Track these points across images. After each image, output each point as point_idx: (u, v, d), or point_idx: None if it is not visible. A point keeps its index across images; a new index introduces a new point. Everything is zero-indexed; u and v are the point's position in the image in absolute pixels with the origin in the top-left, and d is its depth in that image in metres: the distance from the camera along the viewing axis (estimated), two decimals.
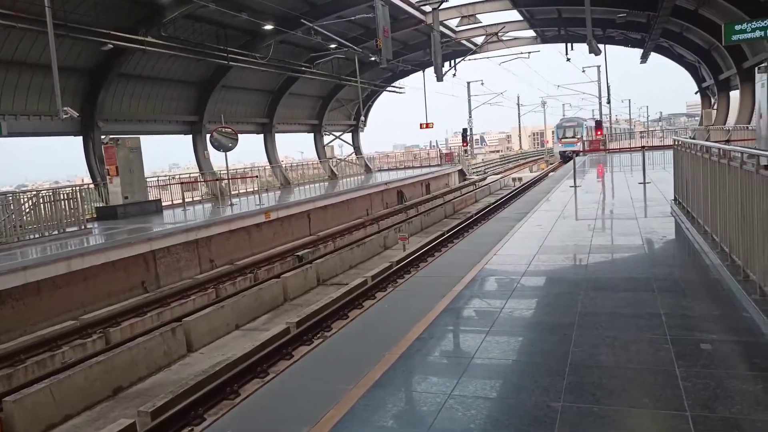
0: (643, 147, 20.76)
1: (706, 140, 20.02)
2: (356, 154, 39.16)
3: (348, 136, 38.96)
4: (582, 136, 43.38)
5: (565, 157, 41.07)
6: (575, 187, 16.01)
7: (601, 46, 26.23)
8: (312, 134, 35.35)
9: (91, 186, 19.42)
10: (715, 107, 32.14)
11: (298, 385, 4.45)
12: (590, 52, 19.57)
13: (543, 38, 34.73)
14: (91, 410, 8.01)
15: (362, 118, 39.03)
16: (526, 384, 3.99)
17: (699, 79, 34.52)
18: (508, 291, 6.44)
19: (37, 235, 13.63)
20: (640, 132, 61.70)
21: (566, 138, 44.91)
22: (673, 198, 11.13)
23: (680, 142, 10.36)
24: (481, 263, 7.86)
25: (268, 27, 21.56)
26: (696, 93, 36.54)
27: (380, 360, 4.57)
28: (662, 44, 31.51)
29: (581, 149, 35.89)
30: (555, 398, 3.70)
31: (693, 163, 8.40)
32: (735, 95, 29.00)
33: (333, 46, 25.79)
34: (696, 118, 67.49)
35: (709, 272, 6.39)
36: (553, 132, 52.77)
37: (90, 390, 8.13)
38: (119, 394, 8.52)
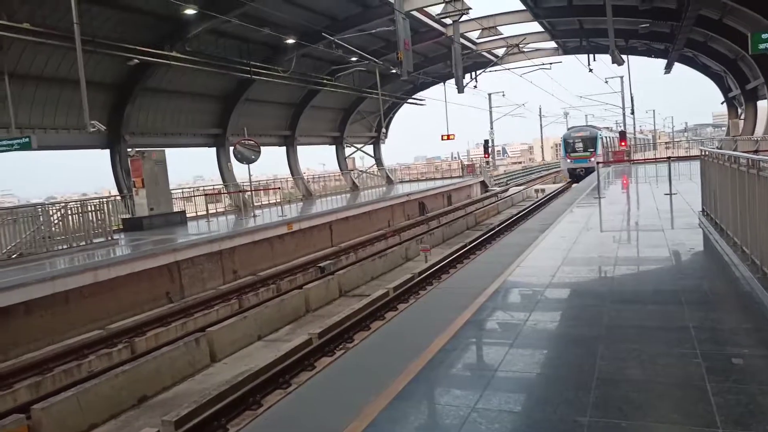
0: (668, 157, 20.47)
1: (734, 151, 19.68)
2: (377, 166, 39.26)
3: (369, 148, 39.11)
4: (597, 150, 36.02)
5: (576, 176, 34.90)
6: (599, 198, 15.82)
7: (623, 57, 26.05)
8: (333, 146, 35.57)
9: (118, 198, 19.77)
10: (743, 117, 31.60)
11: (320, 396, 4.44)
12: (613, 63, 19.43)
13: (565, 49, 34.58)
14: (116, 419, 8.08)
15: (383, 130, 39.17)
16: (551, 398, 3.93)
17: (725, 89, 33.99)
18: (532, 303, 6.36)
19: (65, 246, 13.88)
20: (666, 143, 60.56)
21: (576, 152, 37.23)
22: (700, 209, 10.93)
23: (708, 152, 10.19)
24: (504, 275, 7.79)
25: (291, 41, 21.82)
26: (722, 103, 35.98)
27: (403, 372, 4.54)
28: (686, 54, 31.13)
29: (600, 161, 29.08)
30: (581, 413, 3.63)
31: (721, 174, 8.25)
32: (763, 105, 28.49)
33: (354, 59, 25.98)
34: (722, 129, 66.23)
35: (740, 285, 6.24)
36: (559, 145, 47.43)
37: (115, 399, 8.21)
38: (144, 403, 8.59)
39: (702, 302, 5.81)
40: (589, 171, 27.15)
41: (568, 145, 37.68)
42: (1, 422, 7.06)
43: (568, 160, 37.39)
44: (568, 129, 40.05)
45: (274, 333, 11.72)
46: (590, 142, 36.54)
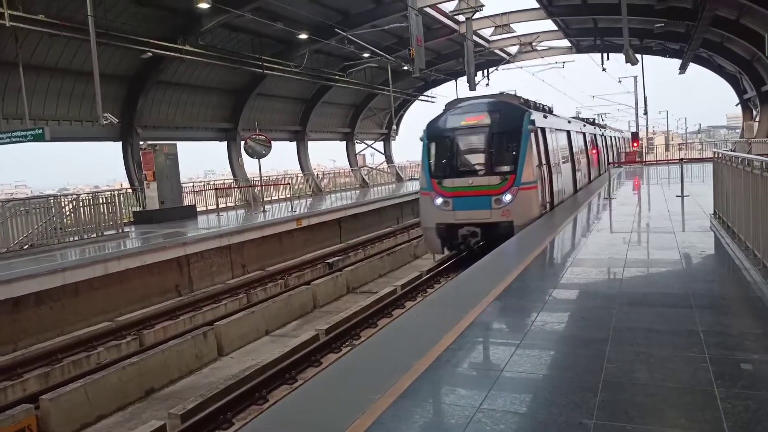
0: (681, 159, 20.29)
1: (748, 153, 19.48)
2: (387, 163, 39.22)
3: (380, 145, 39.08)
4: (520, 173, 12.71)
5: (456, 247, 13.81)
6: (610, 199, 15.72)
7: (638, 56, 25.81)
8: (344, 142, 35.57)
9: (129, 191, 19.90)
10: (757, 119, 31.23)
11: (325, 393, 4.44)
12: (627, 62, 19.19)
13: (578, 48, 34.30)
14: (123, 411, 8.16)
15: (394, 126, 39.12)
16: (557, 399, 3.90)
17: (740, 91, 33.59)
18: (539, 303, 6.33)
19: (76, 238, 14.00)
20: (679, 144, 59.85)
21: (458, 175, 13.28)
22: (712, 212, 10.83)
23: (720, 155, 10.08)
24: (512, 275, 7.75)
25: (303, 36, 21.83)
26: (737, 105, 35.57)
27: (408, 370, 4.53)
28: (701, 55, 30.79)
29: (532, 216, 12.77)
30: (587, 415, 3.61)
31: (734, 177, 8.17)
32: None
33: (366, 55, 25.94)
34: (737, 131, 65.49)
35: (750, 289, 6.17)
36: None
37: (123, 391, 8.28)
38: (151, 396, 8.66)
39: (712, 306, 5.75)
40: (498, 236, 12.11)
41: (439, 153, 13.85)
42: (9, 412, 7.14)
43: (439, 201, 13.37)
44: (446, 105, 14.88)
45: (282, 328, 11.77)
46: (506, 142, 13.25)
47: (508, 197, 12.66)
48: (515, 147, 12.90)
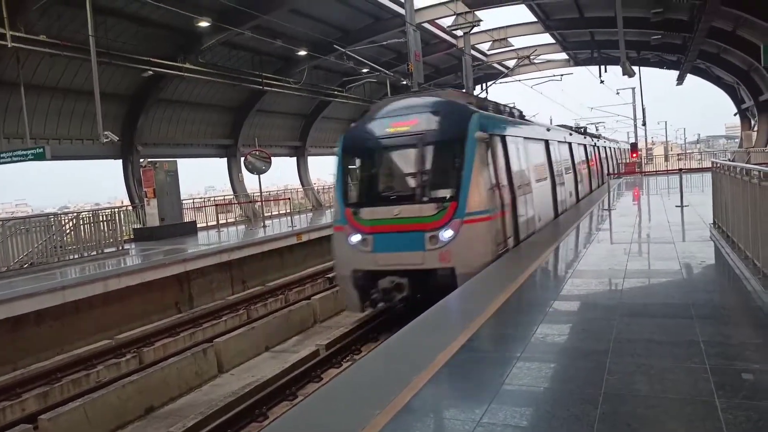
0: (680, 169, 20.31)
1: (747, 163, 19.50)
2: None
3: None
4: (464, 197, 9.14)
5: (373, 303, 9.87)
6: (609, 209, 15.71)
7: (635, 68, 25.96)
8: None
9: (130, 208, 19.93)
10: (756, 129, 31.33)
11: (326, 408, 4.41)
12: (624, 74, 19.32)
13: (576, 61, 34.57)
14: (123, 430, 8.10)
15: None
16: (557, 412, 3.87)
17: (738, 101, 33.76)
18: (539, 315, 6.30)
19: (76, 256, 14.00)
20: (678, 155, 59.94)
21: (390, 195, 9.77)
22: (712, 222, 10.82)
23: (719, 164, 10.10)
24: (511, 287, 7.73)
25: (302, 53, 22.00)
26: (735, 115, 35.72)
27: (408, 384, 4.50)
28: (699, 66, 30.98)
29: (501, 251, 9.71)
30: (588, 428, 3.58)
31: (733, 186, 8.17)
32: None
33: (365, 70, 26.10)
34: (735, 140, 65.65)
35: (751, 299, 6.15)
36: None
37: (123, 409, 8.23)
38: (151, 414, 8.60)
39: (712, 316, 5.73)
40: (434, 288, 8.54)
41: (355, 172, 10.62)
42: None
43: (355, 239, 9.63)
44: (373, 107, 11.91)
45: (282, 344, 11.72)
46: (445, 155, 9.75)
47: (447, 233, 9.04)
48: (458, 162, 9.32)
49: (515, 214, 10.71)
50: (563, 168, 16.40)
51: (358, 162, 10.43)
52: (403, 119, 9.85)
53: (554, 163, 15.00)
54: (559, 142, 16.41)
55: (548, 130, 16.08)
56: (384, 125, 9.96)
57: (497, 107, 12.88)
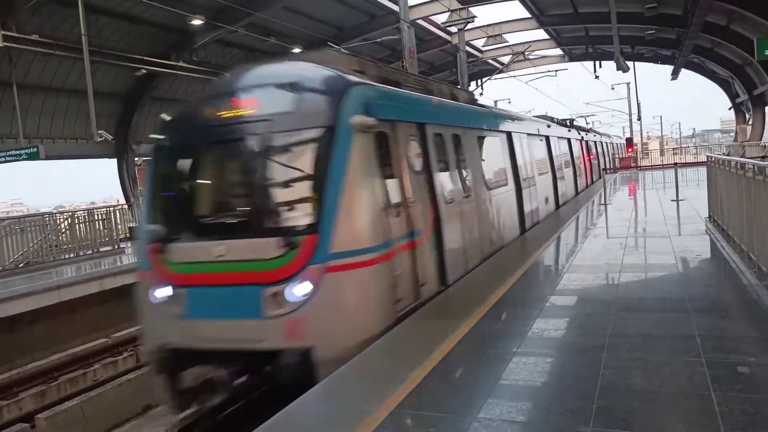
0: (675, 164, 20.36)
1: (742, 156, 19.56)
2: None
3: None
4: (325, 224, 5.38)
5: (183, 403, 5.86)
6: (605, 204, 15.74)
7: (629, 63, 26.01)
8: None
9: (125, 206, 19.87)
10: (750, 123, 31.45)
11: (321, 406, 4.42)
12: (618, 70, 19.34)
13: (570, 56, 34.60)
14: (120, 428, 8.09)
15: None
16: (554, 407, 3.88)
17: (732, 95, 33.86)
18: (536, 310, 6.31)
19: (72, 255, 13.95)
20: (674, 149, 60.07)
21: (210, 223, 6.02)
22: (707, 216, 10.85)
23: (714, 159, 10.13)
24: (508, 282, 7.73)
25: (297, 50, 21.93)
26: (730, 109, 35.84)
27: (405, 381, 4.50)
28: (693, 60, 31.05)
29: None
30: (584, 422, 3.59)
31: (728, 180, 8.20)
32: None
33: None
34: (730, 134, 65.85)
35: (746, 292, 6.17)
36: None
37: (120, 408, 8.23)
38: (148, 412, 8.58)
39: (708, 310, 5.75)
40: (280, 378, 5.42)
41: (165, 186, 6.31)
42: (5, 431, 7.07)
43: (160, 294, 5.84)
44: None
45: None
46: (298, 156, 5.83)
47: (299, 289, 5.40)
48: (321, 168, 5.59)
49: (440, 241, 7.19)
50: (536, 170, 13.20)
51: (171, 169, 6.37)
52: (241, 98, 6.15)
53: (521, 163, 11.79)
54: (529, 135, 13.17)
55: (513, 119, 12.74)
56: (212, 109, 6.21)
57: (418, 81, 9.01)
